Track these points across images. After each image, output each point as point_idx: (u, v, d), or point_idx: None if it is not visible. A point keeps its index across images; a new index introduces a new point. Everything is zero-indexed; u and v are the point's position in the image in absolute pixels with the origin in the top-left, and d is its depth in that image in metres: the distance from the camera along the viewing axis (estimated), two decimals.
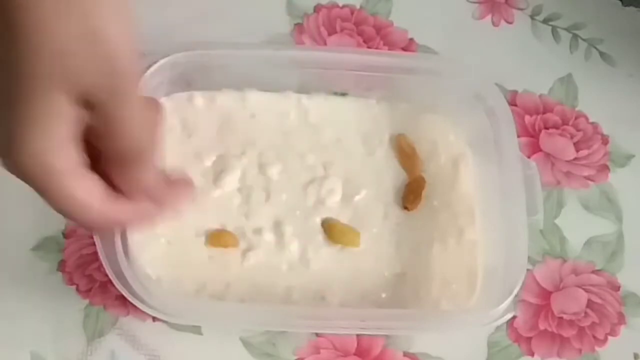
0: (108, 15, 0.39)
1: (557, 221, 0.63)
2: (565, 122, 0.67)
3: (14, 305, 0.57)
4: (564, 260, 0.62)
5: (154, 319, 0.56)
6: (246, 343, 0.57)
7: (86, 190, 0.42)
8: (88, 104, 0.40)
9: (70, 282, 0.58)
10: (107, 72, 0.39)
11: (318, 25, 0.68)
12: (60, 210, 0.43)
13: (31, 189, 0.41)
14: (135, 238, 0.54)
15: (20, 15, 0.38)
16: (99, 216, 0.44)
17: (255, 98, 0.62)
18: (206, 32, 0.65)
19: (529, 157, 0.64)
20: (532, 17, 0.71)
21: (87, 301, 0.57)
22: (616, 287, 0.62)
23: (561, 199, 0.64)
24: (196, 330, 0.57)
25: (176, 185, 0.50)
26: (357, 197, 0.60)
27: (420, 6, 0.70)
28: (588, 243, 0.63)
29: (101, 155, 0.43)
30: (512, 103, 0.66)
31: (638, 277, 0.62)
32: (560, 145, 0.66)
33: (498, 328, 0.59)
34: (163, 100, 0.59)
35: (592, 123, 0.67)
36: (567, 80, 0.68)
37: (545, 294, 0.61)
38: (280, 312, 0.56)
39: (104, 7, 0.39)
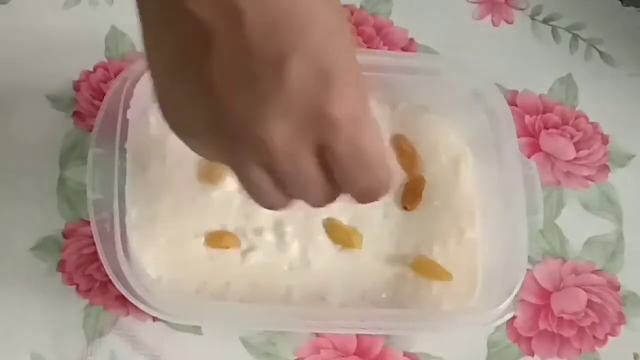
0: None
1: (557, 221, 0.63)
2: (565, 122, 0.67)
3: (14, 305, 0.57)
4: (564, 260, 0.62)
5: (154, 319, 0.56)
6: (246, 343, 0.57)
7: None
8: None
9: (70, 282, 0.57)
10: None
11: None
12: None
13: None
14: (135, 238, 0.54)
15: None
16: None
17: None
18: None
19: (529, 157, 0.64)
20: (532, 17, 0.71)
21: (87, 301, 0.57)
22: (616, 287, 0.62)
23: (561, 199, 0.64)
24: (196, 330, 0.57)
25: None
26: None
27: (420, 6, 0.69)
28: (588, 243, 0.63)
29: None
30: (512, 103, 0.66)
31: (638, 277, 0.62)
32: (560, 145, 0.66)
33: (498, 328, 0.59)
34: None
35: (592, 123, 0.67)
36: (567, 80, 0.68)
37: (545, 294, 0.61)
38: (280, 312, 0.56)
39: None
